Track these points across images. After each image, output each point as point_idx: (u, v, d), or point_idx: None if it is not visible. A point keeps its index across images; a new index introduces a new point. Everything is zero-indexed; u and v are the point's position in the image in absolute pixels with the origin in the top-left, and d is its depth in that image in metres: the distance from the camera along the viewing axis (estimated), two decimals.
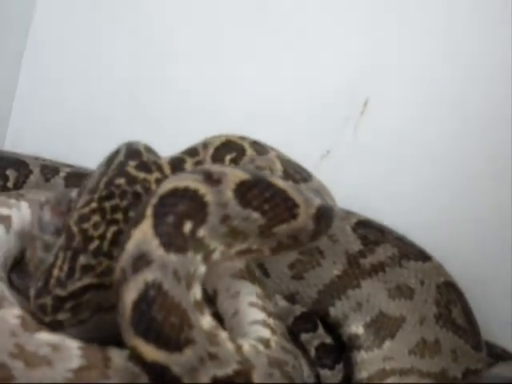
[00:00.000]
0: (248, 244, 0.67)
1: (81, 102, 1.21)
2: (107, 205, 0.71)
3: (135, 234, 0.58)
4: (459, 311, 0.93)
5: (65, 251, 0.69)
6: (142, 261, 0.57)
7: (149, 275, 0.57)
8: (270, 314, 0.82)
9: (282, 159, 0.80)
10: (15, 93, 1.22)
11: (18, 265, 0.80)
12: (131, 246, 0.58)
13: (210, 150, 0.79)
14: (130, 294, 0.56)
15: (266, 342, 0.71)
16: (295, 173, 0.79)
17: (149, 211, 0.59)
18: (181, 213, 0.60)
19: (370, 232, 0.99)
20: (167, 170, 0.75)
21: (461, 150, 1.04)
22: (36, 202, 0.81)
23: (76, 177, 1.09)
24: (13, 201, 0.82)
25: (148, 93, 1.18)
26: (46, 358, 0.62)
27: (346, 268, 0.98)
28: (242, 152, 0.79)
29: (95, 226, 0.70)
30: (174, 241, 0.59)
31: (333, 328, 1.00)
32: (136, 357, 0.57)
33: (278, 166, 0.79)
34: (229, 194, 0.63)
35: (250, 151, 0.80)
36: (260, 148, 0.80)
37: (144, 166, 0.74)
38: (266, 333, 0.75)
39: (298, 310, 1.00)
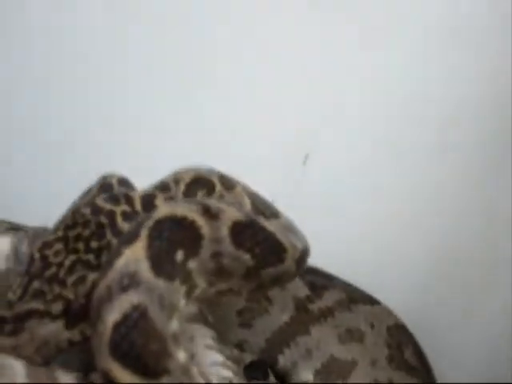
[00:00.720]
0: (230, 284, 0.66)
1: None
2: (71, 234, 0.70)
3: (126, 253, 0.57)
4: (411, 352, 0.95)
5: (23, 276, 0.68)
6: (130, 281, 0.55)
7: (135, 297, 0.55)
8: (227, 357, 0.81)
9: (250, 194, 0.81)
10: None
11: None
12: (121, 264, 0.56)
13: (182, 186, 0.78)
14: (113, 315, 0.54)
15: (229, 381, 0.73)
16: (264, 208, 0.79)
17: (144, 232, 0.58)
18: (175, 240, 0.59)
19: (317, 278, 0.99)
20: (137, 204, 0.74)
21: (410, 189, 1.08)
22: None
23: None
24: None
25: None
26: None
27: (295, 314, 0.98)
28: (212, 187, 0.79)
29: (56, 253, 0.69)
30: (164, 267, 0.58)
31: (282, 376, 0.99)
32: (108, 380, 0.55)
33: (247, 201, 0.79)
34: (225, 231, 0.62)
35: (218, 186, 0.80)
36: (228, 182, 0.81)
37: (113, 198, 0.73)
38: (227, 373, 0.76)
39: (248, 358, 0.99)
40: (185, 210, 0.61)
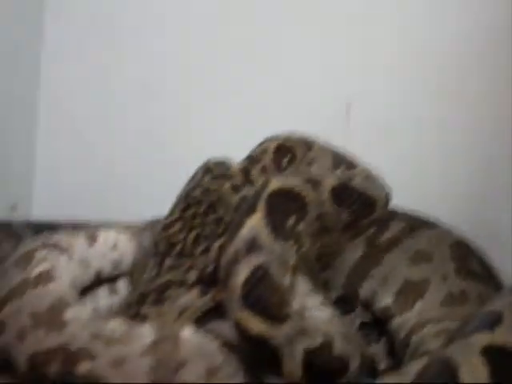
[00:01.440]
0: (331, 238, 0.80)
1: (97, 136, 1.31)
2: (187, 214, 0.83)
3: (248, 223, 0.70)
4: (476, 262, 1.04)
5: (154, 258, 0.80)
6: (253, 246, 0.68)
7: (258, 259, 0.67)
8: (324, 296, 0.91)
9: (327, 149, 0.93)
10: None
11: None
12: (244, 233, 0.69)
13: (270, 155, 0.92)
14: (241, 274, 0.67)
15: (331, 319, 0.80)
16: (342, 160, 0.92)
17: (260, 205, 0.71)
18: (287, 209, 0.73)
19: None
20: (238, 178, 0.88)
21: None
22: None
23: None
24: (71, 234, 0.94)
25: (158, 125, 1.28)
26: (122, 338, 0.71)
27: (366, 249, 1.07)
28: (293, 152, 0.93)
29: (177, 232, 0.81)
30: (280, 232, 0.71)
31: (365, 307, 1.09)
32: (241, 329, 0.67)
33: (326, 157, 0.92)
34: (325, 196, 0.75)
35: (299, 150, 0.93)
36: (306, 143, 0.93)
37: (217, 178, 0.87)
38: (327, 312, 0.83)
39: (334, 294, 1.08)
40: (292, 182, 0.74)
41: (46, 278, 0.80)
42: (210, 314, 0.79)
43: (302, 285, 0.90)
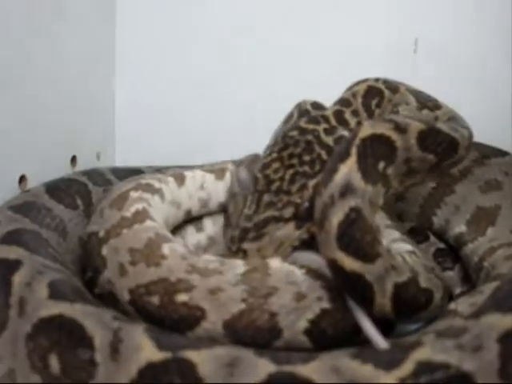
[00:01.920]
0: (415, 179, 0.84)
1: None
2: (284, 154, 0.87)
3: (342, 168, 0.73)
4: None
5: (252, 194, 0.85)
6: (347, 190, 0.71)
7: (352, 201, 0.71)
8: (402, 232, 0.96)
9: (412, 91, 0.98)
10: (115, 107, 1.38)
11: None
12: (339, 177, 0.72)
13: (359, 99, 0.96)
14: (337, 216, 0.70)
15: (413, 253, 0.85)
16: (427, 101, 0.97)
17: (353, 150, 0.74)
18: (378, 154, 0.76)
19: None
20: (333, 120, 0.91)
21: None
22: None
23: None
24: (161, 176, 0.99)
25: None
26: (216, 270, 0.76)
27: (439, 179, 1.10)
28: (381, 95, 0.97)
29: (275, 171, 0.86)
30: (371, 176, 0.74)
31: (439, 235, 1.13)
32: (335, 267, 0.70)
33: (412, 99, 0.97)
34: (412, 141, 0.78)
35: (386, 92, 0.97)
36: (392, 86, 0.98)
37: (313, 120, 0.91)
38: (408, 246, 0.89)
39: (408, 225, 1.13)
40: (382, 128, 0.77)
41: (141, 216, 0.85)
42: (304, 245, 0.83)
43: (380, 218, 0.95)
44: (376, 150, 0.75)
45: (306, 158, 0.86)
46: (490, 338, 0.58)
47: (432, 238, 1.11)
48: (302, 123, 0.90)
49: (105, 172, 1.16)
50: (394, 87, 0.98)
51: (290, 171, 0.85)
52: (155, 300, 0.74)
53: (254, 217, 0.82)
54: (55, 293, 0.70)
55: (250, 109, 1.35)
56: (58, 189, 1.02)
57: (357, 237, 0.69)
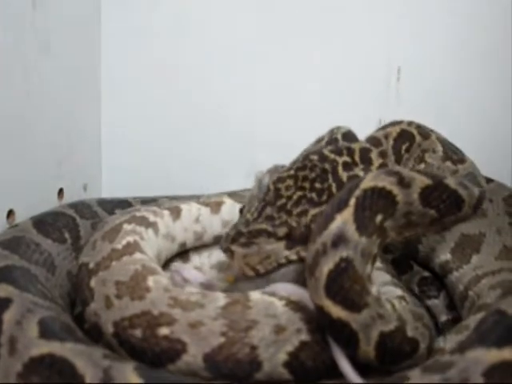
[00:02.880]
0: (415, 231, 0.83)
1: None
2: (300, 174, 0.87)
3: (338, 218, 0.73)
4: None
5: (260, 202, 0.86)
6: (340, 240, 0.72)
7: (344, 252, 0.72)
8: (393, 275, 0.96)
9: (442, 141, 0.98)
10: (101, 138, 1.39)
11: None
12: (333, 227, 0.73)
13: (390, 141, 0.96)
14: (328, 265, 0.71)
15: (403, 299, 0.85)
16: (453, 153, 0.96)
17: (352, 201, 0.75)
18: (376, 207, 0.76)
19: None
20: (357, 156, 0.90)
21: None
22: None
23: None
24: (157, 209, 1.00)
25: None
26: (197, 303, 0.77)
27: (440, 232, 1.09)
28: (412, 140, 0.97)
29: (287, 187, 0.86)
30: (367, 228, 0.74)
31: (424, 264, 1.14)
32: (322, 313, 0.72)
33: (439, 148, 0.97)
34: (415, 195, 0.78)
35: (417, 138, 0.97)
36: (424, 132, 0.98)
37: (337, 150, 0.90)
38: (398, 291, 0.89)
39: (389, 256, 1.13)
40: (384, 181, 0.77)
41: (131, 248, 0.87)
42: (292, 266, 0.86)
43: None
44: (375, 203, 0.75)
45: (318, 185, 0.86)
46: (476, 372, 0.59)
47: (415, 267, 1.12)
48: (326, 150, 0.90)
49: (91, 204, 1.17)
50: (425, 134, 0.98)
51: (299, 193, 0.86)
52: (138, 333, 0.76)
53: (252, 224, 0.84)
54: (45, 331, 0.70)
55: (236, 140, 1.36)
56: (45, 223, 1.03)
57: (345, 286, 0.70)
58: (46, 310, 0.76)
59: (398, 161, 0.94)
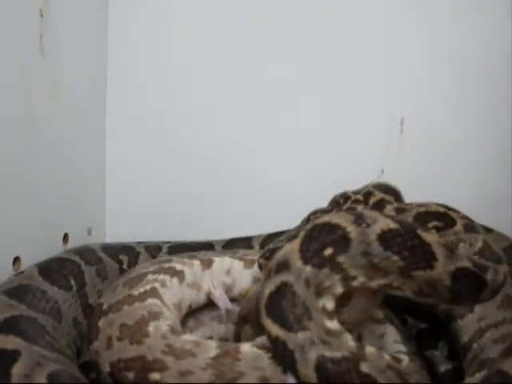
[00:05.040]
0: (388, 280, 0.80)
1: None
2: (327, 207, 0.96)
3: (286, 247, 0.77)
4: None
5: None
6: (283, 266, 0.76)
7: (285, 277, 0.75)
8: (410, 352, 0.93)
9: (485, 241, 0.90)
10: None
11: None
12: (280, 254, 0.77)
13: (413, 213, 0.94)
14: (269, 287, 0.75)
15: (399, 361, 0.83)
16: (490, 254, 0.88)
17: (302, 234, 0.78)
18: (324, 241, 0.77)
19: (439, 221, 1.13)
20: (371, 200, 0.95)
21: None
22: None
23: (177, 248, 1.27)
24: (186, 260, 1.03)
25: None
26: (190, 352, 0.80)
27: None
28: (452, 223, 0.93)
29: (314, 218, 0.94)
30: (312, 258, 0.76)
31: (427, 310, 1.13)
32: (267, 332, 0.75)
33: (478, 245, 0.89)
34: (372, 236, 0.78)
35: (459, 225, 0.93)
36: (469, 225, 0.93)
37: (357, 190, 0.97)
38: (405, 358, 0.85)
39: None
40: (340, 219, 0.78)
41: (146, 294, 0.91)
42: None
43: (390, 334, 0.95)
44: (324, 237, 0.77)
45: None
46: None
47: (410, 320, 1.12)
48: (350, 190, 0.96)
49: (96, 250, 1.19)
50: (470, 227, 0.93)
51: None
52: (131, 375, 0.80)
53: (277, 243, 0.92)
54: None
55: (241, 185, 1.39)
56: (51, 270, 1.04)
57: (283, 308, 0.73)
58: (54, 362, 0.76)
59: None
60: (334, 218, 0.78)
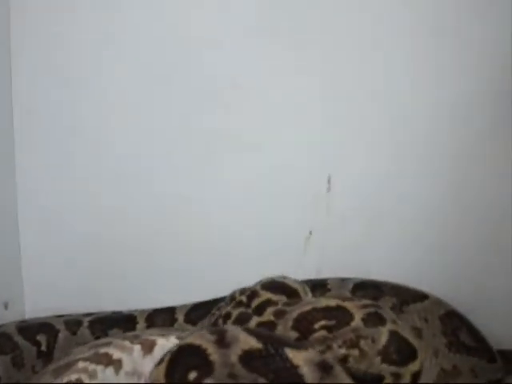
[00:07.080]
0: None
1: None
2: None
3: (153, 373, 0.75)
4: (466, 334, 1.05)
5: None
6: None
7: None
8: None
9: (392, 334, 0.83)
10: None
11: None
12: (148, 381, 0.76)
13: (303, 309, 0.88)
14: None
15: None
16: (395, 353, 0.81)
17: (167, 357, 0.75)
18: (188, 364, 0.73)
19: (367, 291, 1.10)
20: (254, 303, 0.91)
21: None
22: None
23: (99, 323, 1.21)
24: (127, 343, 0.95)
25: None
26: None
27: None
28: (348, 318, 0.85)
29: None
30: (178, 381, 0.73)
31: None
32: None
33: (383, 341, 0.82)
34: (233, 358, 0.72)
35: (357, 317, 0.84)
36: (371, 316, 0.85)
37: (243, 289, 0.94)
38: None
39: None
40: (202, 339, 0.74)
41: None
42: None
43: None
44: (187, 360, 0.73)
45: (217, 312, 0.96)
46: None
47: None
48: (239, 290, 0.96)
49: (12, 334, 1.13)
50: (374, 321, 0.85)
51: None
52: None
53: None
54: None
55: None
56: None
57: None
58: None
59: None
60: (197, 338, 0.75)
